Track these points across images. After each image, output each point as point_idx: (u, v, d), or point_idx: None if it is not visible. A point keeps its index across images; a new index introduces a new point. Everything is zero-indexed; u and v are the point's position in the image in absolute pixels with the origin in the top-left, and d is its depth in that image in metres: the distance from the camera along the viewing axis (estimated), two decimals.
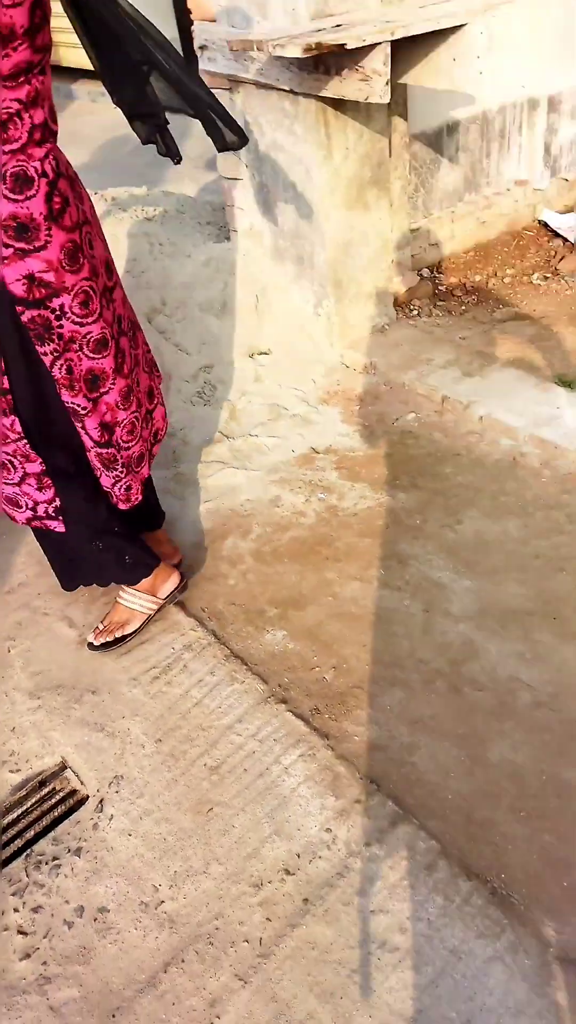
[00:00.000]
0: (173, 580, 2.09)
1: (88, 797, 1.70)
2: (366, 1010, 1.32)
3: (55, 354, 1.55)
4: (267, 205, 3.06)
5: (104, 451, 1.74)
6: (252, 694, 1.88)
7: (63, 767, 1.77)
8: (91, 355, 1.61)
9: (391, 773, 1.67)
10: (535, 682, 1.79)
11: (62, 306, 1.50)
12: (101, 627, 2.04)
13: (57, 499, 1.74)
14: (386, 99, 2.35)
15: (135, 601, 2.04)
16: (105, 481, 1.80)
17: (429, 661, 1.89)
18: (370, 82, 2.37)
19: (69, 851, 1.59)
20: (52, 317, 1.50)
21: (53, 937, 1.46)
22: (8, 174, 1.37)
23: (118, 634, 2.02)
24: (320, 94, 2.51)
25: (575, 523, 2.17)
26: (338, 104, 2.62)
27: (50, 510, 1.76)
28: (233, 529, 2.38)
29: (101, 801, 1.68)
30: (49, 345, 1.54)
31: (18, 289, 1.45)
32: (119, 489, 1.82)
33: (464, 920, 1.40)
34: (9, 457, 1.68)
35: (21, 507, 1.76)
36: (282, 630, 2.05)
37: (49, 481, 1.71)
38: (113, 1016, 1.35)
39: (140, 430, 1.81)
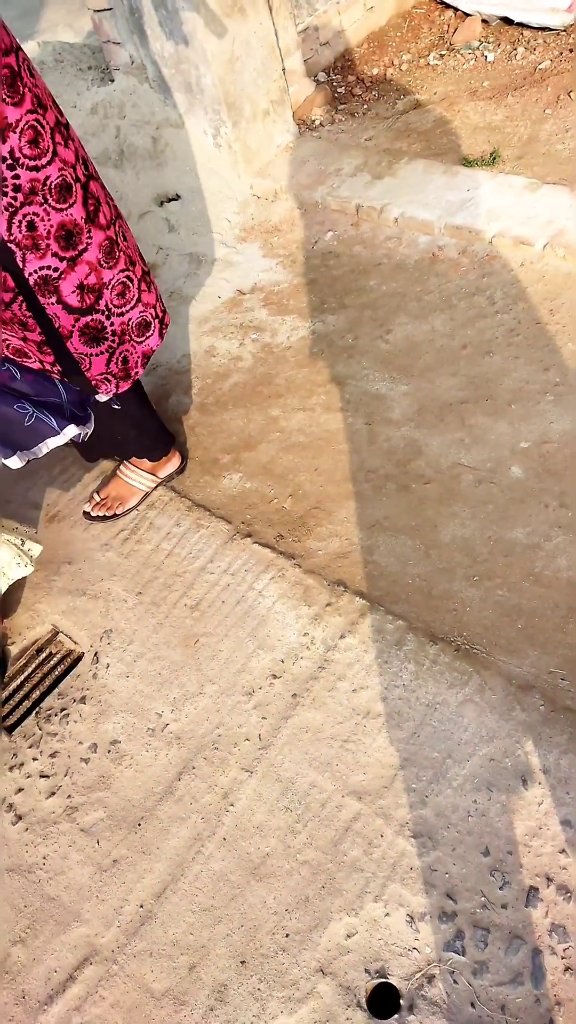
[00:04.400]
0: (175, 462, 2.08)
1: (83, 654, 1.82)
2: (359, 769, 1.49)
3: (9, 210, 1.36)
4: (142, 33, 2.82)
5: (87, 319, 1.56)
6: (219, 535, 1.96)
7: (55, 633, 1.88)
8: (56, 205, 1.40)
9: (355, 574, 1.78)
10: (475, 462, 1.86)
11: (12, 151, 1.30)
12: (98, 499, 2.05)
13: (58, 364, 1.64)
14: None
15: (136, 478, 2.04)
16: (97, 366, 1.65)
17: (378, 468, 1.96)
18: None
19: (75, 701, 1.73)
20: (4, 167, 1.31)
21: (73, 774, 1.62)
22: None
23: (118, 510, 2.04)
24: None
25: (496, 304, 2.17)
26: None
27: (55, 371, 1.67)
28: (174, 387, 2.39)
29: (96, 654, 1.80)
30: (2, 200, 1.34)
31: None
32: (115, 365, 1.68)
33: (435, 677, 1.54)
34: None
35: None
36: (238, 472, 2.10)
37: (48, 349, 1.60)
38: (139, 825, 1.52)
39: (138, 292, 1.63)
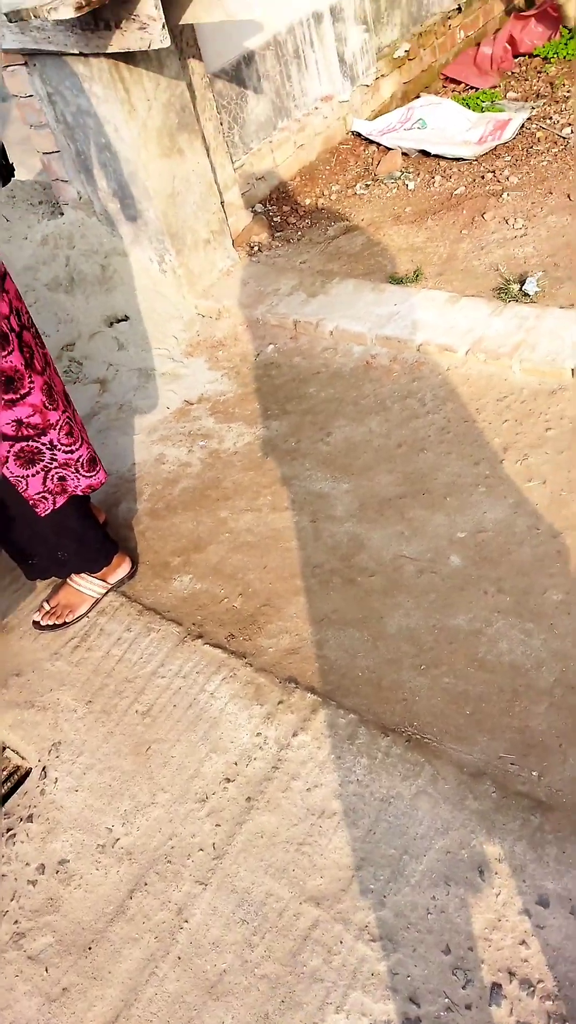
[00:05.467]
0: (124, 567, 2.10)
1: (31, 769, 1.77)
2: (316, 872, 1.45)
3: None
4: (88, 172, 3.04)
5: (22, 444, 1.63)
6: (169, 638, 1.96)
7: (2, 748, 1.83)
8: None
9: (306, 669, 1.79)
10: (416, 553, 1.92)
11: None
12: (48, 608, 2.05)
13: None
14: (167, 43, 2.36)
15: (87, 585, 2.05)
16: (33, 486, 1.71)
17: (323, 563, 2.01)
18: (148, 29, 2.38)
19: (21, 820, 1.67)
20: None
21: (20, 898, 1.54)
22: None
23: (68, 618, 2.04)
24: (107, 51, 2.51)
25: (427, 405, 2.30)
26: (128, 57, 2.62)
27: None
28: (125, 495, 2.44)
29: (44, 768, 1.76)
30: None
31: None
32: (51, 483, 1.75)
33: (388, 770, 1.54)
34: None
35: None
36: (188, 574, 2.13)
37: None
38: (89, 949, 1.45)
39: (81, 432, 1.74)
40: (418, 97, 3.85)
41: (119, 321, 3.12)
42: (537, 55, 3.86)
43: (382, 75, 3.76)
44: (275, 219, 3.36)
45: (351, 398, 2.44)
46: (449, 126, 3.46)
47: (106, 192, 3.03)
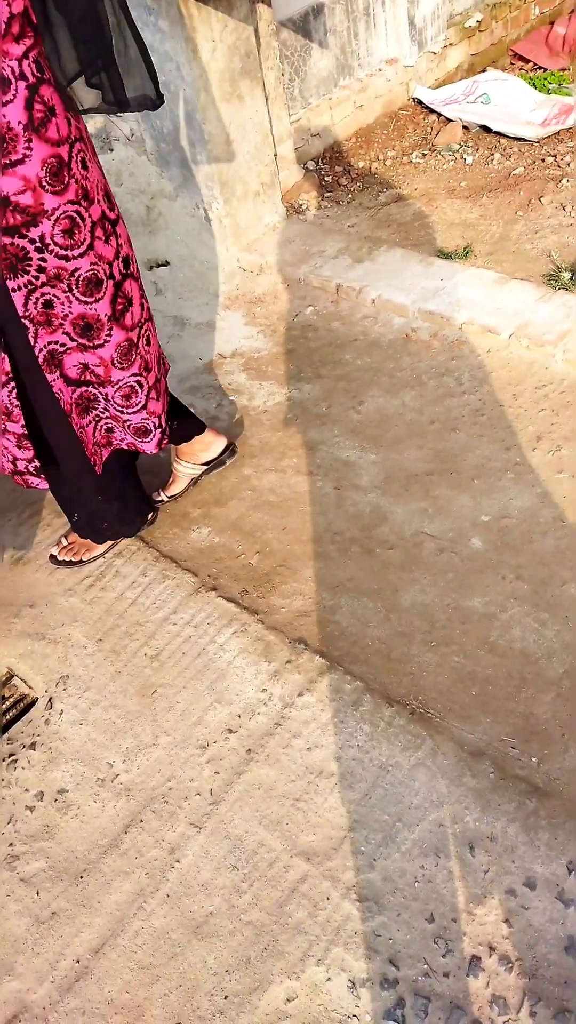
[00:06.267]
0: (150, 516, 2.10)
1: (37, 699, 1.80)
2: (310, 829, 1.48)
3: (28, 287, 1.37)
4: None
5: (82, 389, 1.58)
6: (184, 587, 1.98)
7: (10, 676, 1.86)
8: (82, 297, 1.42)
9: (317, 633, 1.81)
10: (437, 532, 1.93)
11: (42, 236, 1.31)
12: (66, 543, 2.05)
13: (36, 460, 1.67)
14: None
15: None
16: (88, 435, 1.69)
17: (344, 531, 2.01)
18: None
19: (24, 747, 1.70)
20: (32, 248, 1.32)
21: (17, 822, 1.58)
22: None
23: (84, 556, 2.04)
24: None
25: (463, 385, 2.28)
26: None
27: (30, 467, 1.70)
28: None
29: (50, 700, 1.78)
30: (22, 277, 1.35)
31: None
32: (99, 433, 1.71)
33: (389, 740, 1.56)
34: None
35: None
36: (207, 527, 2.14)
37: (28, 444, 1.63)
38: (81, 878, 1.49)
39: (145, 399, 1.64)
40: (484, 71, 3.75)
41: (159, 266, 3.09)
42: None
43: (450, 44, 3.66)
44: (326, 178, 3.30)
45: (387, 369, 2.42)
46: (513, 104, 3.37)
47: (159, 132, 2.97)
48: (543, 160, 3.10)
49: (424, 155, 3.29)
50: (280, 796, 1.54)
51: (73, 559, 2.05)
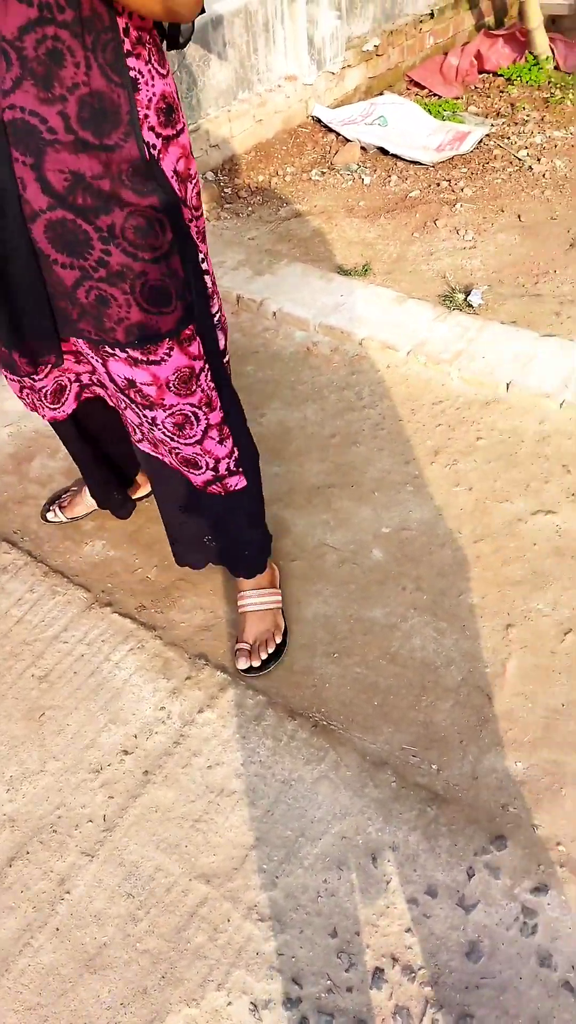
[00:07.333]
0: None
1: None
2: (210, 850, 1.43)
3: (205, 257, 1.33)
4: None
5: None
6: (76, 603, 1.89)
7: None
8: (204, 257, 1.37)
9: (218, 648, 1.76)
10: (339, 543, 1.93)
11: (190, 199, 1.25)
12: (246, 646, 1.70)
13: (236, 450, 1.49)
14: None
15: (269, 598, 1.75)
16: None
17: None
18: None
19: None
20: (195, 212, 1.27)
21: None
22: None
23: (276, 645, 1.71)
24: None
25: (364, 399, 2.31)
26: None
27: (231, 464, 1.51)
28: (40, 450, 2.33)
29: None
30: (204, 246, 1.32)
31: (174, 184, 1.17)
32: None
33: (291, 753, 1.54)
34: (193, 408, 1.37)
35: (200, 468, 1.49)
36: (101, 540, 2.06)
37: (228, 431, 1.45)
38: None
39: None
40: (382, 94, 3.86)
41: None
42: (501, 75, 3.95)
43: (349, 65, 3.75)
44: (226, 190, 3.29)
45: (288, 382, 2.42)
46: (410, 128, 3.48)
47: None
48: (438, 184, 3.21)
49: (323, 173, 3.34)
50: (179, 818, 1.48)
51: (271, 653, 1.72)
